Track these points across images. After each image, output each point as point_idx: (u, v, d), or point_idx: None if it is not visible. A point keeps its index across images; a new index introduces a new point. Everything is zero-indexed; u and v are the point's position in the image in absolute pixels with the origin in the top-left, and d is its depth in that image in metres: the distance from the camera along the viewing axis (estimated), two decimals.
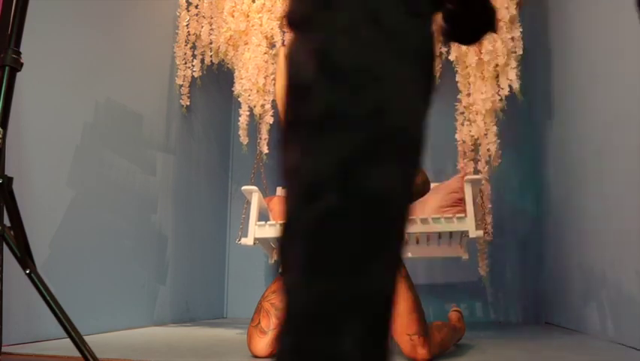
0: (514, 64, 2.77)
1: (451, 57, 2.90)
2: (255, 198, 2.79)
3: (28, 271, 1.19)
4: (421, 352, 1.61)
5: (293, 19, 0.42)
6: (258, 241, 2.74)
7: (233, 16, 3.16)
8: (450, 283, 3.61)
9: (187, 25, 3.29)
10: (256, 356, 1.67)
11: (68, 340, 1.16)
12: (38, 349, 1.76)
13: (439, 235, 2.60)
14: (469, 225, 2.45)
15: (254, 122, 3.18)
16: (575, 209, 2.63)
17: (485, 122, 2.77)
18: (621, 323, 2.04)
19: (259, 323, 1.68)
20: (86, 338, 1.18)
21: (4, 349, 1.60)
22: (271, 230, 2.65)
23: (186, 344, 2.04)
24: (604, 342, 2.10)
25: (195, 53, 3.34)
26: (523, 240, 3.58)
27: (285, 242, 0.39)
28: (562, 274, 2.95)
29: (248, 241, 2.69)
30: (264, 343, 1.66)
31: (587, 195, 2.45)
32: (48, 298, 1.17)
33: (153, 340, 2.19)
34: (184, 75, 3.30)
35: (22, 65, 1.28)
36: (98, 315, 2.40)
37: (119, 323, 2.56)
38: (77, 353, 1.15)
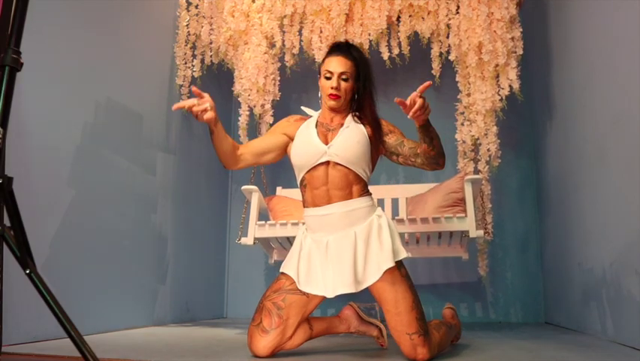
0: (514, 64, 2.77)
1: (451, 57, 2.90)
2: (255, 197, 2.78)
3: (28, 271, 1.19)
4: (421, 351, 1.60)
5: None
6: (258, 240, 2.73)
7: (233, 16, 3.16)
8: (450, 283, 3.61)
9: (187, 25, 3.29)
10: (257, 356, 1.67)
11: (68, 340, 1.16)
12: (38, 349, 1.76)
13: (439, 234, 2.60)
14: (469, 225, 2.44)
15: (253, 122, 3.18)
16: (575, 209, 2.63)
17: (485, 122, 2.76)
18: (621, 323, 2.04)
19: (260, 322, 1.68)
20: (86, 338, 1.18)
21: (4, 349, 1.60)
22: (271, 230, 2.65)
23: (186, 344, 2.04)
24: (604, 342, 2.11)
25: (195, 53, 3.34)
26: (523, 240, 3.58)
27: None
28: (562, 274, 2.95)
29: (248, 240, 2.69)
30: (265, 342, 1.66)
31: (586, 195, 2.45)
32: (48, 298, 1.17)
33: (153, 340, 2.19)
34: (184, 75, 3.30)
35: (22, 65, 1.28)
36: (98, 315, 2.40)
37: (119, 323, 2.56)
38: (77, 353, 1.15)
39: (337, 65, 1.81)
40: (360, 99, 1.84)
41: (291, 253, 1.80)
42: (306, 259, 1.73)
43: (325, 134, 1.81)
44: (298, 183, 1.84)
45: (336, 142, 1.76)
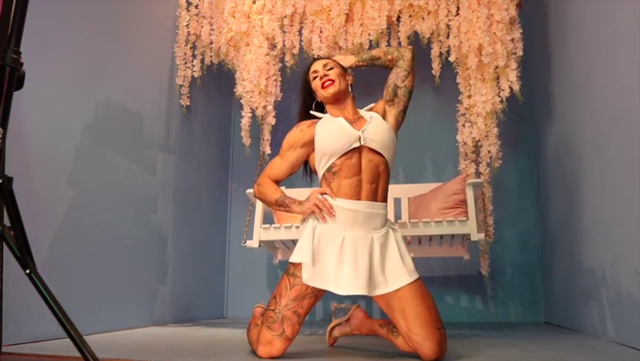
0: (514, 65, 2.77)
1: (451, 59, 2.90)
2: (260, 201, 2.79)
3: (28, 271, 1.19)
4: (444, 347, 1.62)
5: None
6: (263, 243, 2.74)
7: (234, 17, 3.16)
8: (450, 283, 3.61)
9: (187, 25, 3.29)
10: (270, 358, 1.67)
11: (68, 340, 1.16)
12: (38, 349, 1.76)
13: (441, 235, 2.60)
14: (470, 228, 2.45)
15: (256, 124, 3.18)
16: (575, 209, 2.63)
17: (486, 124, 2.76)
18: (621, 323, 2.04)
19: (283, 331, 1.66)
20: (86, 338, 1.18)
21: (4, 349, 1.60)
22: (276, 233, 2.65)
23: (186, 344, 2.04)
24: (604, 342, 2.11)
25: (195, 53, 3.35)
26: (523, 239, 3.58)
27: None
28: (562, 274, 2.95)
29: (253, 243, 2.70)
30: (284, 347, 1.67)
31: (586, 195, 2.45)
32: (48, 298, 1.17)
33: (153, 340, 2.19)
34: (184, 75, 3.30)
35: (22, 65, 1.28)
36: (98, 315, 2.40)
37: (119, 323, 2.57)
38: (77, 353, 1.15)
39: (317, 64, 1.90)
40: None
41: (303, 242, 1.72)
42: (317, 250, 1.70)
43: (351, 124, 1.79)
44: (323, 170, 1.77)
45: (369, 127, 1.77)
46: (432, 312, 1.64)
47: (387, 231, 1.75)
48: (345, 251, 1.68)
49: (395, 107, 1.86)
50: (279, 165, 1.85)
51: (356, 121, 1.81)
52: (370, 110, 1.89)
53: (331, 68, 1.86)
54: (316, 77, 1.87)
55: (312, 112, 1.92)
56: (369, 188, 1.75)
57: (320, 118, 1.87)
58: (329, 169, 1.76)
